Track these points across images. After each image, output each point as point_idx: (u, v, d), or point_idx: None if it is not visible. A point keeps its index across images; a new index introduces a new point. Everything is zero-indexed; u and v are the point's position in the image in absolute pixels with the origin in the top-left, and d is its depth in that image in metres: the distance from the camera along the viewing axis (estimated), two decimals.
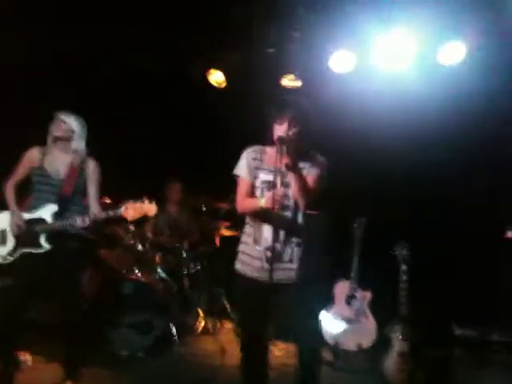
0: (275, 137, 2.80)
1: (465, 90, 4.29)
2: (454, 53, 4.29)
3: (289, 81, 4.98)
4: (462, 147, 4.55)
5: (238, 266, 3.01)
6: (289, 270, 2.89)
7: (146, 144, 5.39)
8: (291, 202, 2.89)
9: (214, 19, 4.37)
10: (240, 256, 3.01)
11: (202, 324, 4.89)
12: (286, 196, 2.86)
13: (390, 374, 3.84)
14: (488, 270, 4.37)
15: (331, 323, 4.46)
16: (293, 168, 2.76)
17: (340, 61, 4.59)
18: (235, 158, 3.01)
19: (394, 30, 4.21)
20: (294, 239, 2.91)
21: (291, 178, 2.80)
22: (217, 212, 5.14)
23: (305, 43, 4.49)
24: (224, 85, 5.29)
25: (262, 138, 2.93)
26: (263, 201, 2.80)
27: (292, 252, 2.90)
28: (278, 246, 2.86)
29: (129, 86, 5.24)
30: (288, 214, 2.90)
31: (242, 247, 3.02)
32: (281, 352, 4.44)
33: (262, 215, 2.87)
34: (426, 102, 4.37)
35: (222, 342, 4.54)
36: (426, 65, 4.40)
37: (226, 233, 5.14)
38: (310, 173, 2.91)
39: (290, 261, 2.90)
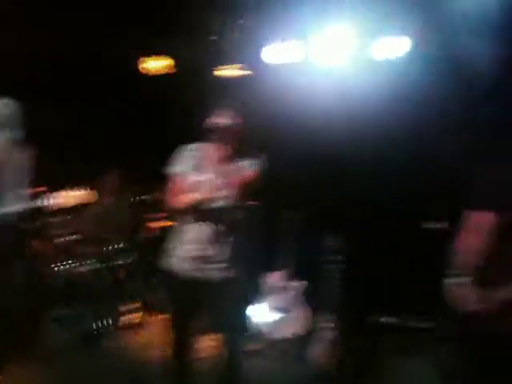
0: (213, 126, 2.82)
1: (405, 85, 4.38)
2: (394, 47, 4.34)
3: (229, 71, 4.97)
4: (399, 141, 4.65)
5: (168, 261, 3.00)
6: (218, 269, 2.92)
7: (85, 132, 5.24)
8: (226, 199, 2.89)
9: (156, 6, 4.30)
10: (169, 252, 3.00)
11: (136, 316, 4.84)
12: (221, 192, 2.87)
13: (319, 362, 3.96)
14: (412, 261, 4.59)
15: (264, 313, 4.54)
16: (228, 161, 2.78)
17: (281, 52, 4.60)
18: (173, 148, 2.98)
19: (335, 22, 4.26)
20: (226, 239, 2.92)
21: (226, 172, 2.81)
22: (154, 202, 5.09)
23: (246, 34, 4.49)
24: (164, 72, 5.21)
25: (202, 126, 2.92)
26: (195, 197, 2.80)
27: (222, 252, 2.92)
28: (208, 245, 2.87)
29: (69, 75, 5.06)
30: (223, 209, 2.90)
31: (171, 244, 3.01)
32: (213, 342, 4.47)
33: (196, 210, 2.85)
34: (366, 95, 4.43)
35: (155, 334, 4.51)
36: (365, 59, 4.46)
37: (163, 224, 5.09)
38: (247, 170, 2.92)
39: (220, 261, 2.91)
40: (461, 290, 2.43)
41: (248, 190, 2.91)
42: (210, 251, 2.88)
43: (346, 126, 4.61)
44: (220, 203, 2.88)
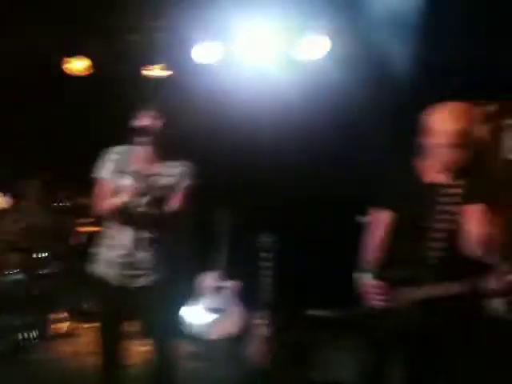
0: (138, 128, 2.75)
1: (326, 86, 4.44)
2: (317, 47, 4.36)
3: (155, 71, 4.87)
4: (324, 141, 4.73)
5: (95, 268, 2.93)
6: (145, 276, 2.84)
7: (5, 135, 4.97)
8: (153, 205, 2.81)
9: (76, 4, 4.16)
10: (96, 258, 2.93)
11: (63, 326, 4.68)
12: (147, 196, 2.79)
13: (254, 359, 3.98)
14: (343, 255, 4.69)
15: (198, 315, 4.50)
16: (154, 163, 2.74)
17: (206, 51, 4.56)
18: (98, 151, 2.90)
19: (257, 22, 4.27)
20: (153, 245, 2.85)
21: (153, 175, 2.77)
22: (79, 208, 4.94)
23: (171, 32, 4.43)
24: (87, 73, 5.04)
25: (127, 129, 2.83)
26: (120, 199, 2.72)
27: (150, 257, 2.84)
28: (135, 252, 2.79)
29: None
30: (149, 213, 2.82)
31: (98, 250, 2.93)
32: (144, 348, 4.39)
33: (121, 213, 2.78)
34: (290, 97, 4.48)
35: (82, 343, 4.38)
36: (288, 59, 4.50)
37: (90, 229, 4.94)
38: (179, 186, 2.86)
39: (147, 268, 2.84)
40: (364, 285, 2.51)
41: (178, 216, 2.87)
42: (137, 257, 2.80)
43: (273, 126, 4.65)
44: (146, 207, 2.80)
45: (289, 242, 4.39)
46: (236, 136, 4.73)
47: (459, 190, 2.36)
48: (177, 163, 2.89)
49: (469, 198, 2.36)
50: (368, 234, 2.61)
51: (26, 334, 4.21)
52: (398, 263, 2.44)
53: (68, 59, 4.91)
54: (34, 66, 4.95)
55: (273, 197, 4.84)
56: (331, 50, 4.30)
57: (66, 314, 4.75)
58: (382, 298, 2.44)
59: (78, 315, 4.82)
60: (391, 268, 2.47)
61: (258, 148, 4.76)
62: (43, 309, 4.58)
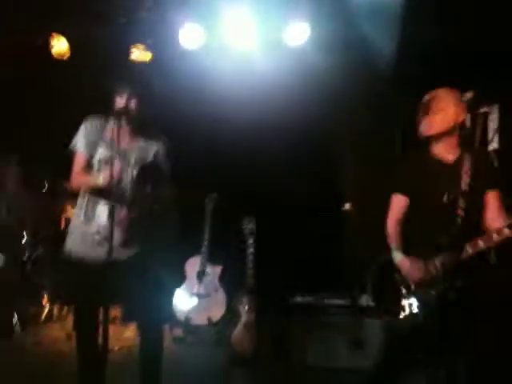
0: (117, 109, 2.70)
1: (309, 71, 4.42)
2: (298, 33, 4.29)
3: (139, 52, 4.80)
4: (305, 127, 4.74)
5: (70, 242, 2.81)
6: (125, 249, 2.77)
7: None
8: (131, 181, 2.78)
9: None
10: (72, 232, 2.82)
11: (47, 311, 4.67)
12: (126, 173, 2.76)
13: (237, 344, 3.98)
14: (326, 241, 4.71)
15: (183, 299, 4.50)
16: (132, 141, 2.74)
17: (189, 35, 4.50)
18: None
19: (240, 7, 4.22)
20: (133, 218, 2.79)
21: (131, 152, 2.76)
22: (62, 191, 4.89)
23: (156, 14, 4.36)
24: (68, 55, 4.96)
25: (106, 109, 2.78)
26: (100, 179, 2.65)
27: (129, 231, 2.77)
28: (114, 224, 2.65)
29: None
30: (129, 191, 2.79)
31: (74, 223, 2.83)
32: (130, 333, 4.40)
33: (99, 193, 2.73)
34: (272, 82, 4.43)
35: (68, 327, 4.36)
36: (271, 45, 4.45)
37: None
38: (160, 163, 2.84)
39: (127, 240, 2.77)
40: (400, 263, 2.56)
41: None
42: (112, 233, 2.60)
43: (257, 112, 4.61)
44: (125, 183, 2.76)
45: (272, 227, 4.39)
46: (221, 120, 4.69)
47: (468, 166, 2.51)
48: (154, 138, 2.86)
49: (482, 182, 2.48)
50: (389, 218, 2.70)
51: (8, 320, 4.18)
52: (423, 240, 2.52)
53: (51, 41, 4.82)
54: (19, 48, 4.85)
55: (257, 182, 4.82)
56: (311, 37, 4.28)
57: (50, 299, 4.73)
58: (419, 272, 2.49)
59: (64, 299, 4.80)
60: (419, 245, 2.53)
61: (241, 133, 4.72)
62: (26, 294, 4.53)
